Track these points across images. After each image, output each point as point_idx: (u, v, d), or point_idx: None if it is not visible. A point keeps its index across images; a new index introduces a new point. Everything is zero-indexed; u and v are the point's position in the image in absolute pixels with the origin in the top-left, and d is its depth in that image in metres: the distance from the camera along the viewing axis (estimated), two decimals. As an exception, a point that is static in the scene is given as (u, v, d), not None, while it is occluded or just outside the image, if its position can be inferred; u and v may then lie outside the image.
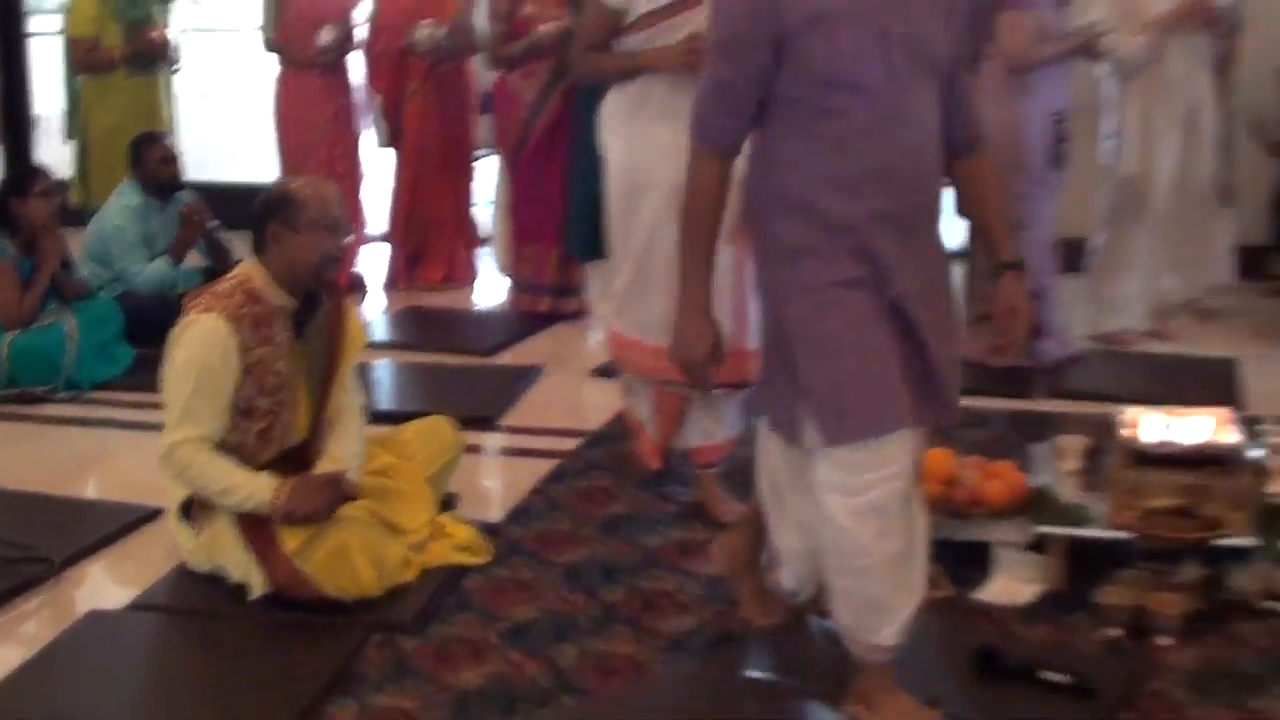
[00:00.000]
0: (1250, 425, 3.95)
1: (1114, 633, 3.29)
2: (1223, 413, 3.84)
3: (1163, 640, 3.25)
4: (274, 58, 7.07)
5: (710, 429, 4.03)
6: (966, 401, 4.74)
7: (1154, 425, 3.74)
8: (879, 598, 2.76)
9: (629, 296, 3.94)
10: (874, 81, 2.65)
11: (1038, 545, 3.52)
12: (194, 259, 6.20)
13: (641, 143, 3.78)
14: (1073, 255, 5.92)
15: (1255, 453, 3.69)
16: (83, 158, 7.24)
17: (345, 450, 3.63)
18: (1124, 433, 3.73)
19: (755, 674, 3.16)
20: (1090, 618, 3.34)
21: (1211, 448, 3.65)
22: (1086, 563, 3.49)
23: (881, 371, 2.69)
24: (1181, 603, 3.31)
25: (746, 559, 3.32)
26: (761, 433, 3.04)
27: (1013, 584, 3.48)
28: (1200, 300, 6.29)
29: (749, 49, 2.69)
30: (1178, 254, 6.00)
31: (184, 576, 3.64)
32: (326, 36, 6.86)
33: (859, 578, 2.75)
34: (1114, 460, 3.70)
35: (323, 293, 3.61)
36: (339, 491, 3.50)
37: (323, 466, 3.56)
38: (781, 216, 2.76)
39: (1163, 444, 3.66)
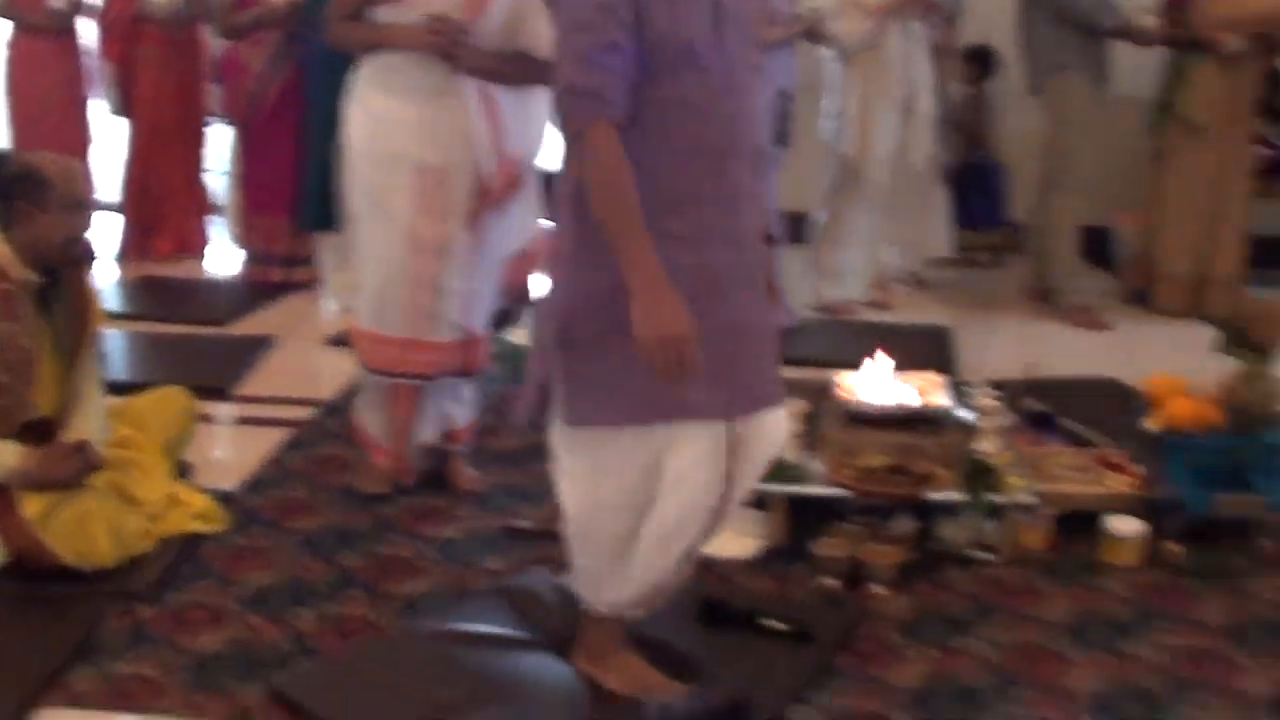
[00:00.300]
0: (960, 388, 4.20)
1: (831, 582, 3.49)
2: (934, 377, 4.10)
3: (877, 589, 3.47)
4: (4, 22, 6.81)
5: (453, 415, 4.08)
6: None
7: (866, 388, 3.96)
8: (597, 570, 2.88)
9: (376, 286, 3.82)
10: (708, 53, 2.64)
11: (759, 503, 3.67)
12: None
13: (388, 120, 3.73)
14: (796, 228, 6.16)
15: (963, 414, 3.95)
16: None
17: (90, 423, 3.58)
18: (840, 395, 3.95)
19: (488, 628, 3.24)
20: (809, 569, 3.54)
21: (922, 409, 3.90)
22: (806, 518, 3.69)
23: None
24: (894, 554, 3.53)
25: None
26: None
27: (736, 539, 3.64)
28: (918, 272, 6.65)
29: (624, 8, 2.58)
30: (898, 229, 6.33)
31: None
32: (58, 0, 6.65)
33: (578, 549, 2.89)
34: (830, 422, 3.91)
35: (66, 268, 3.55)
36: (87, 460, 3.46)
37: (69, 438, 3.51)
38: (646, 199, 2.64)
39: (874, 405, 3.89)
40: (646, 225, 2.58)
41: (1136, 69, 6.34)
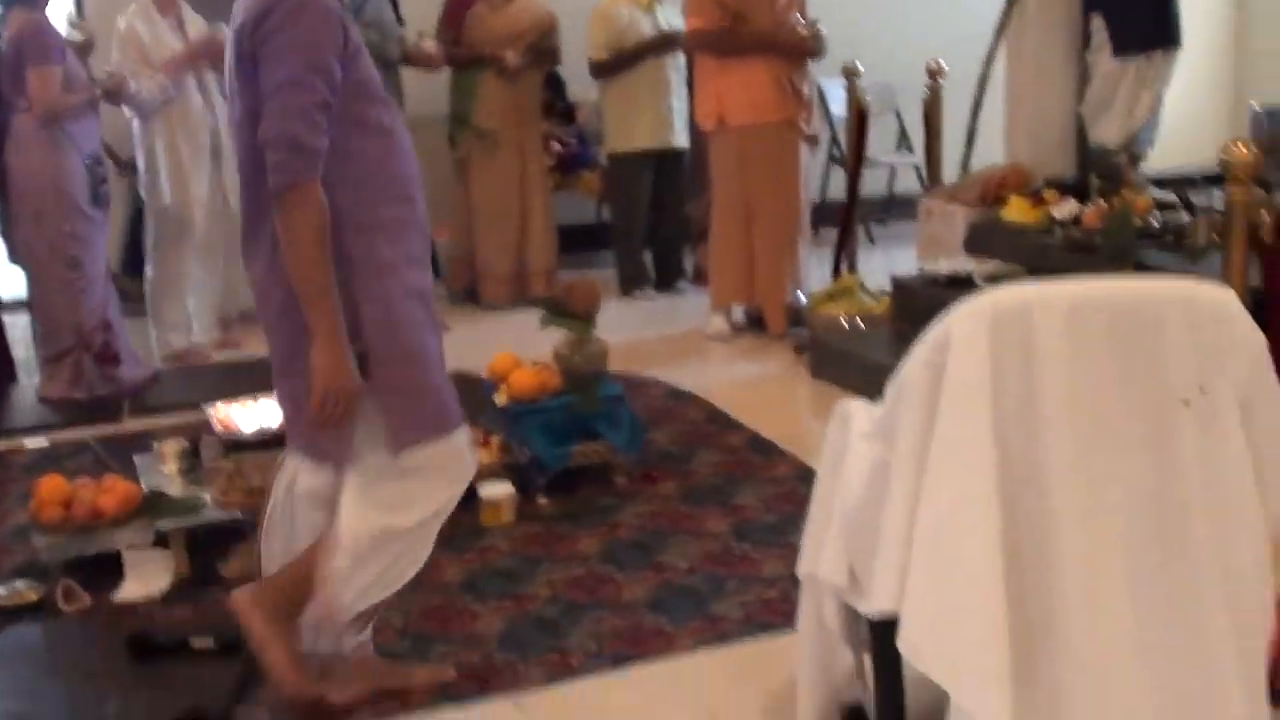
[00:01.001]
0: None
1: (245, 598, 3.68)
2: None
3: (288, 595, 3.69)
4: None
5: None
6: (64, 434, 4.97)
7: (238, 417, 4.17)
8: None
9: None
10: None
11: (162, 541, 3.82)
12: None
13: None
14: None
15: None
16: None
17: None
18: (216, 427, 4.13)
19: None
20: (221, 589, 3.69)
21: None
22: (209, 545, 3.85)
23: None
24: (297, 561, 3.76)
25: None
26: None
27: (146, 580, 3.75)
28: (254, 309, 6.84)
29: (335, 70, 2.70)
30: (228, 270, 6.50)
31: None
32: None
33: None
34: (211, 453, 4.08)
35: None
36: None
37: None
38: (362, 232, 2.80)
39: (249, 431, 4.11)
40: (385, 254, 2.80)
41: (427, 89, 6.86)
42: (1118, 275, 4.47)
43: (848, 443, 2.56)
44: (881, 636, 2.47)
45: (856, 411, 2.61)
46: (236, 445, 4.05)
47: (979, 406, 2.18)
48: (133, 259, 5.74)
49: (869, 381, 4.92)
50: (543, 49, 7.07)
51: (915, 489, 2.26)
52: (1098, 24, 5.71)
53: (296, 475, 3.00)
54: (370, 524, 2.86)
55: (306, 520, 2.99)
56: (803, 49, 6.11)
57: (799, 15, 6.15)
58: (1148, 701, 2.26)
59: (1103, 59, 5.71)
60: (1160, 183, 5.89)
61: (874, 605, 2.36)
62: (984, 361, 2.18)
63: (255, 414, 4.18)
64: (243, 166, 2.84)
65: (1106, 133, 5.75)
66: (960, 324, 2.21)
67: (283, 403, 3.01)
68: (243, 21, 2.73)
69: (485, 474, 4.17)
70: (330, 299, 2.70)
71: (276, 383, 2.98)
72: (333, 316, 2.70)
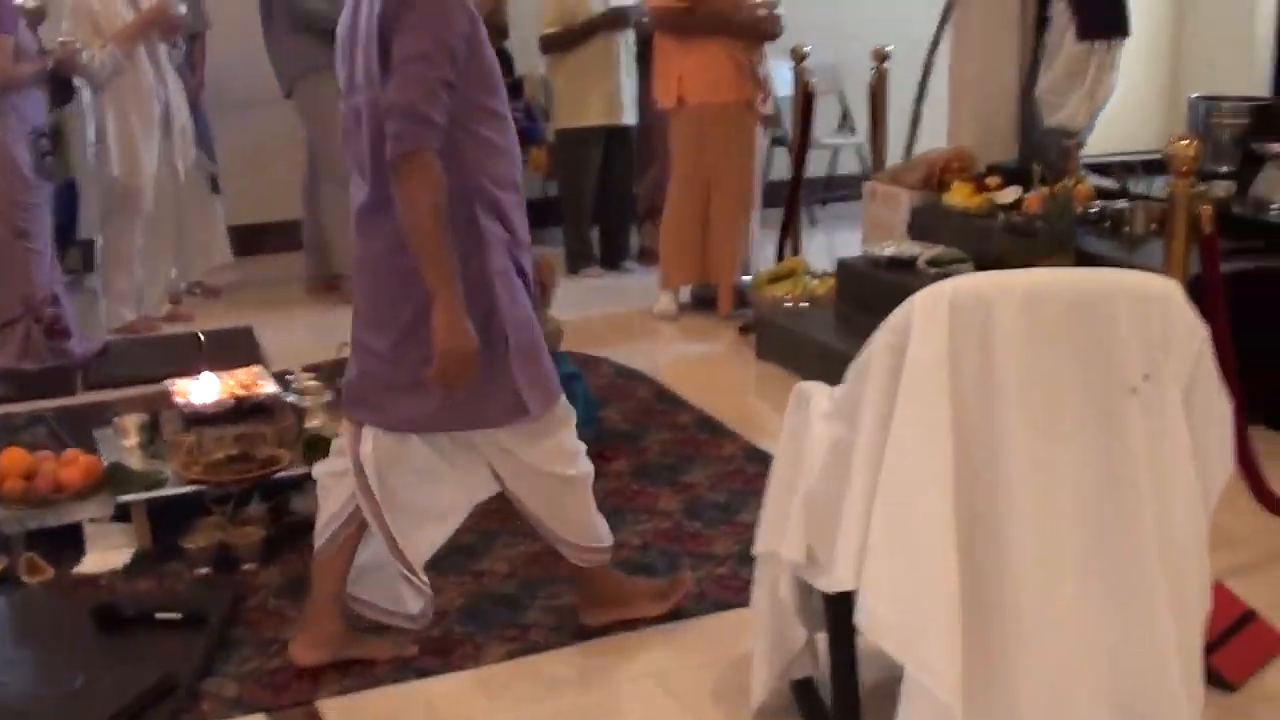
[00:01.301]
0: (281, 377, 4.52)
1: (205, 570, 3.74)
2: (254, 370, 4.40)
3: (248, 566, 3.75)
4: None
5: None
6: (16, 407, 4.97)
7: (199, 390, 4.20)
8: None
9: None
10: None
11: (123, 514, 3.85)
12: None
13: None
14: (87, 256, 6.23)
15: (292, 398, 4.28)
16: None
17: None
18: (176, 400, 4.16)
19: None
20: (184, 563, 3.76)
21: (252, 399, 4.19)
22: (170, 519, 3.88)
23: None
24: (255, 533, 3.83)
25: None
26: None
27: (107, 553, 3.79)
28: (204, 281, 6.88)
29: (461, 52, 2.87)
30: (179, 242, 6.51)
31: None
32: None
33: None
34: (172, 427, 4.12)
35: None
36: None
37: None
38: (490, 210, 2.99)
39: (210, 404, 4.14)
40: (505, 232, 3.01)
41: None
42: (1061, 262, 4.60)
43: (808, 423, 2.64)
44: (838, 612, 2.57)
45: (815, 393, 2.70)
46: (196, 419, 4.08)
47: (938, 389, 2.28)
48: (59, 230, 5.75)
49: (813, 362, 5.05)
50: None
51: (875, 468, 2.35)
52: (1060, 8, 5.81)
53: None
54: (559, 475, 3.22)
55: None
56: (760, 30, 6.18)
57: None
58: (1091, 672, 2.37)
59: (1066, 41, 5.81)
60: (1098, 169, 6.01)
61: (834, 582, 2.45)
62: (943, 346, 2.28)
63: (214, 387, 4.21)
64: (373, 142, 2.94)
65: (1070, 115, 5.86)
66: (921, 309, 2.30)
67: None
68: (383, 7, 2.85)
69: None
70: (448, 264, 2.86)
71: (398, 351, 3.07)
72: (451, 280, 2.86)
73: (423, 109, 2.80)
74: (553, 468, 3.19)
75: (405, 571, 3.17)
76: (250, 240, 7.38)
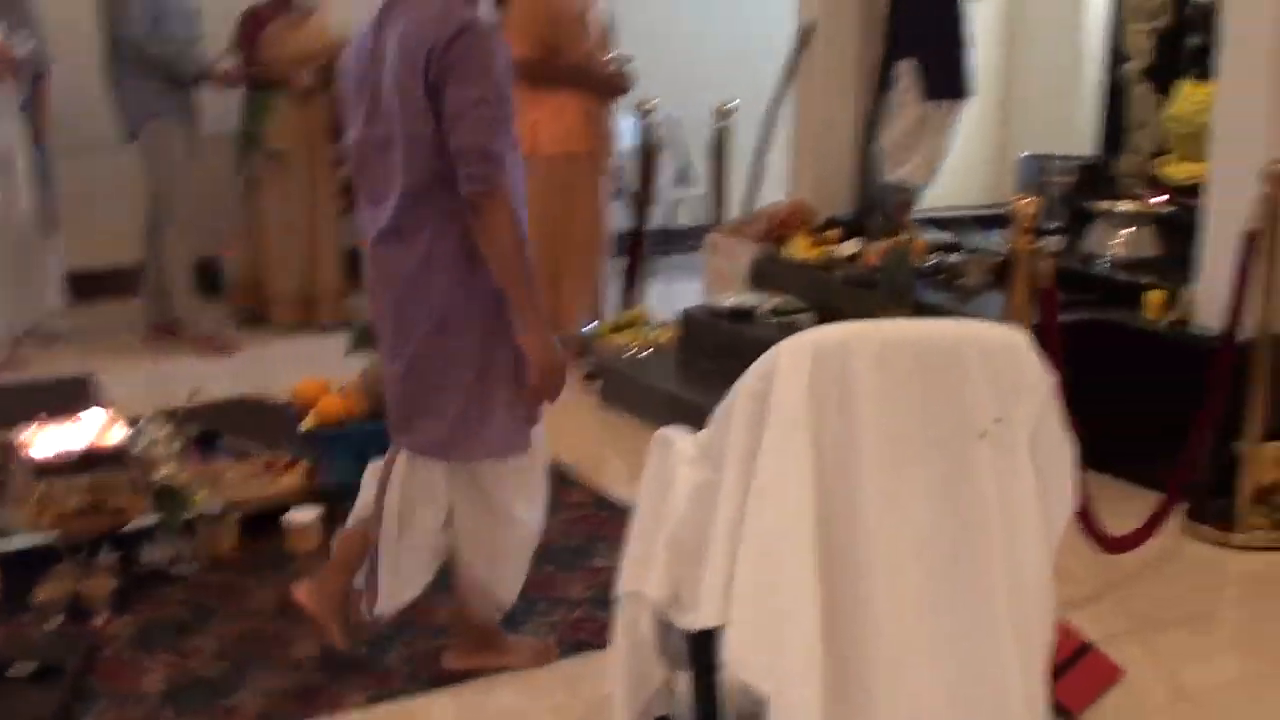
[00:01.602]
0: (131, 424, 4.46)
1: (57, 621, 3.68)
2: (102, 416, 4.34)
3: (100, 617, 3.70)
4: None
5: None
6: None
7: (46, 439, 4.13)
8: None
9: None
10: None
11: (-31, 566, 3.78)
12: None
13: None
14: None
15: (140, 446, 4.23)
16: None
17: None
18: (22, 452, 4.09)
19: None
20: (36, 615, 3.69)
21: (101, 448, 4.13)
22: (21, 570, 3.82)
23: None
24: (106, 583, 3.78)
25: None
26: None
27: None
28: (39, 327, 6.72)
29: (510, 91, 3.01)
30: (11, 289, 6.36)
31: None
32: None
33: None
34: (20, 477, 4.05)
35: None
36: None
37: None
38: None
39: (59, 453, 4.08)
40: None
41: (221, 108, 6.84)
42: (900, 313, 4.76)
43: (672, 467, 2.73)
44: (701, 649, 2.65)
45: (677, 438, 2.79)
46: (45, 469, 4.02)
47: (800, 432, 2.38)
48: None
49: (657, 409, 5.13)
50: (335, 70, 7.06)
51: (740, 509, 2.44)
52: (906, 68, 6.02)
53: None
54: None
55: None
56: (613, 85, 6.27)
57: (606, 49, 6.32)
58: (941, 704, 2.48)
59: (910, 101, 6.02)
60: (933, 223, 6.24)
61: (699, 619, 2.53)
62: (805, 392, 2.38)
63: (63, 436, 4.14)
64: (411, 173, 3.03)
65: (910, 171, 6.07)
66: (785, 357, 2.41)
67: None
68: (431, 45, 2.94)
69: (294, 498, 4.23)
70: (534, 289, 3.05)
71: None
72: (539, 302, 3.06)
73: (494, 149, 2.97)
74: (516, 509, 3.31)
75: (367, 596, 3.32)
76: (87, 286, 7.23)
